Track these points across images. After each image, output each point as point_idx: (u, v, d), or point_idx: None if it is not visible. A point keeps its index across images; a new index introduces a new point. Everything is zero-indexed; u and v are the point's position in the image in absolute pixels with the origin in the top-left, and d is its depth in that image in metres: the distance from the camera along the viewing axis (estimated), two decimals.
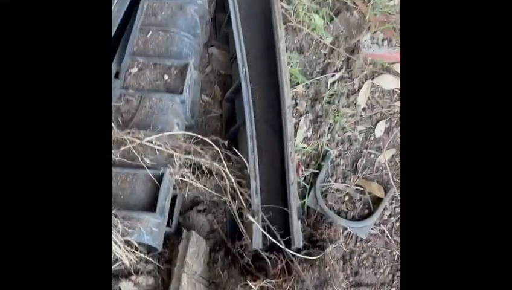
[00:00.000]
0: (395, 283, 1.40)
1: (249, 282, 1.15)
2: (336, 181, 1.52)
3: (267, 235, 1.21)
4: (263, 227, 1.23)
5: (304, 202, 1.45)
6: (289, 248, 1.21)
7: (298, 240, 1.21)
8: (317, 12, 1.61)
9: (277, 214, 1.27)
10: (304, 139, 1.57)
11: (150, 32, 1.42)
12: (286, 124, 1.33)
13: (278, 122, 1.38)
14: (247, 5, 1.54)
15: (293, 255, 1.22)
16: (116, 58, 1.41)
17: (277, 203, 1.28)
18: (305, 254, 1.25)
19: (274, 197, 1.31)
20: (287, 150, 1.31)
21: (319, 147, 1.54)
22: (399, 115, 1.60)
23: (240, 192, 1.27)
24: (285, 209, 1.26)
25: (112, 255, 1.20)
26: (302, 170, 1.51)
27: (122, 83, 1.36)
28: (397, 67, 1.64)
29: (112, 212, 1.17)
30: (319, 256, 1.26)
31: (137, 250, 1.23)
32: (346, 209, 1.47)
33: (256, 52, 1.49)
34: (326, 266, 1.24)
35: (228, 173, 1.27)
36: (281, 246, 1.19)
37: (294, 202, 1.26)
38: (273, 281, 1.16)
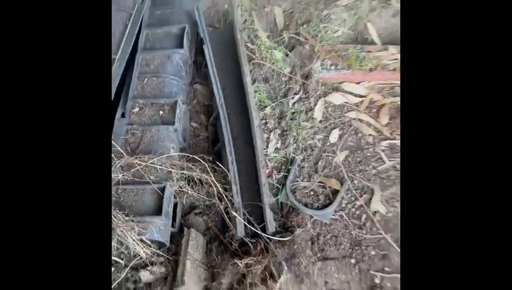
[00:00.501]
0: (353, 255, 1.76)
1: (236, 261, 1.53)
2: (302, 180, 1.90)
3: (248, 225, 1.59)
4: (244, 219, 1.61)
5: (278, 198, 1.83)
6: (265, 233, 1.59)
7: (271, 226, 1.59)
8: (276, 49, 2.02)
9: (254, 209, 1.66)
10: (274, 149, 1.96)
11: (146, 79, 1.83)
12: (256, 139, 1.72)
13: (250, 138, 1.77)
14: (219, 49, 1.95)
15: (269, 239, 1.60)
16: (122, 102, 1.81)
17: (254, 200, 1.67)
18: (279, 237, 1.64)
19: (251, 196, 1.69)
20: (259, 159, 1.70)
21: (287, 154, 1.93)
22: (349, 123, 1.99)
23: (225, 195, 1.66)
24: (260, 205, 1.65)
25: (132, 251, 1.57)
26: (275, 174, 1.90)
27: (127, 120, 1.75)
28: (344, 86, 2.04)
29: (129, 218, 1.55)
30: (289, 238, 1.64)
31: (150, 246, 1.60)
32: (311, 202, 1.85)
33: (229, 86, 1.89)
34: (295, 245, 1.62)
35: (215, 181, 1.66)
36: (258, 232, 1.57)
37: (267, 198, 1.65)
38: (255, 258, 1.53)
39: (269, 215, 1.61)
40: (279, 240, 1.62)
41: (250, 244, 1.59)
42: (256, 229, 1.57)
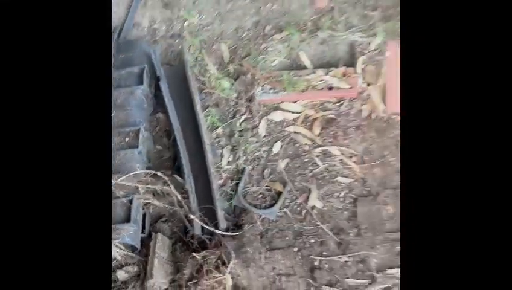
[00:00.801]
0: (296, 244, 2.11)
1: (194, 254, 1.86)
2: (252, 186, 2.25)
3: (203, 224, 1.93)
4: (201, 220, 1.96)
5: (232, 202, 2.18)
6: (218, 229, 1.94)
7: (223, 223, 1.94)
8: (223, 79, 2.41)
9: (209, 211, 2.01)
10: (227, 162, 2.31)
11: (114, 112, 2.19)
12: (208, 155, 2.09)
13: (203, 154, 2.14)
14: (175, 83, 2.33)
15: (222, 235, 1.95)
16: None
17: (208, 204, 2.02)
18: (231, 233, 1.98)
19: (206, 201, 2.04)
20: (210, 171, 2.06)
21: (238, 165, 2.29)
22: (288, 136, 2.37)
23: (184, 202, 2.01)
24: (213, 207, 2.00)
25: None
26: (229, 182, 2.26)
27: None
28: (283, 105, 2.41)
29: None
30: (239, 233, 1.99)
31: (124, 250, 1.92)
32: (260, 203, 2.20)
33: (185, 113, 2.27)
34: (244, 238, 1.97)
35: (175, 191, 2.01)
36: (210, 229, 1.91)
37: (218, 202, 2.01)
38: (210, 251, 1.87)
39: (220, 215, 1.96)
40: (231, 235, 1.96)
41: (206, 240, 1.93)
42: (210, 226, 1.92)
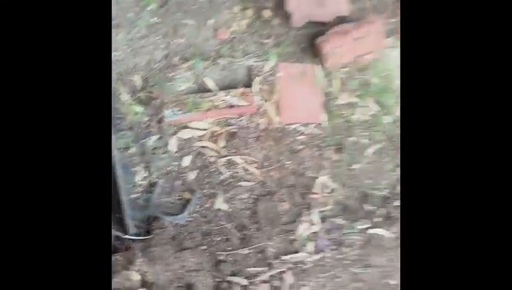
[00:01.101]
0: (204, 243, 2.39)
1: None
2: (166, 197, 2.53)
3: (114, 232, 2.18)
4: (113, 229, 2.20)
5: (145, 212, 2.44)
6: (127, 235, 2.19)
7: (132, 230, 2.20)
8: (135, 105, 2.72)
9: (120, 221, 2.26)
10: (142, 178, 2.58)
11: None
12: (117, 174, 2.36)
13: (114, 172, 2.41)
14: None
15: (132, 240, 2.20)
16: None
17: (119, 214, 2.28)
18: (142, 237, 2.23)
19: (117, 212, 2.29)
20: (119, 185, 2.33)
21: (152, 180, 2.57)
22: (196, 151, 2.68)
23: None
24: (122, 217, 2.26)
25: None
26: (143, 195, 2.52)
27: None
28: (191, 124, 2.73)
29: None
30: (149, 237, 2.24)
31: None
32: (172, 211, 2.48)
33: None
34: (153, 241, 2.22)
35: None
36: (119, 235, 2.16)
37: (132, 212, 2.27)
38: (120, 253, 2.11)
39: (130, 223, 2.22)
40: (140, 239, 2.22)
41: (118, 246, 2.17)
42: (119, 233, 2.17)
